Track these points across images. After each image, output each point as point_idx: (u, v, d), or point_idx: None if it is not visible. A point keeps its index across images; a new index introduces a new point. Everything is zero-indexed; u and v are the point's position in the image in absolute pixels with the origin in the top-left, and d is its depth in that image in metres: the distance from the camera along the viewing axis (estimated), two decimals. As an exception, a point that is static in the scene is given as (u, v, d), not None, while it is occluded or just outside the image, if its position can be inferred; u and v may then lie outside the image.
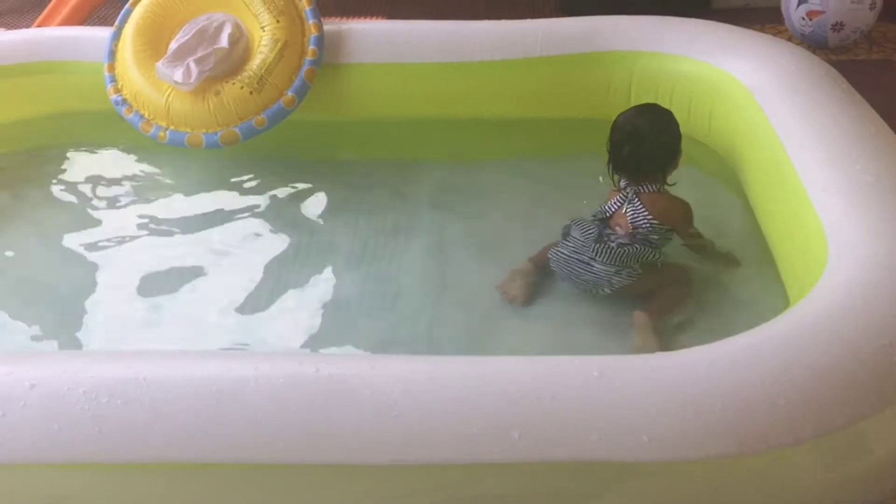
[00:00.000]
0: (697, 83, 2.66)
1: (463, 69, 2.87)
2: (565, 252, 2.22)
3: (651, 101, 2.74)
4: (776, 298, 2.09)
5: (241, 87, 2.66)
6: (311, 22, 2.81)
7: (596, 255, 2.17)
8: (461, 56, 2.84)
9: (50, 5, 4.02)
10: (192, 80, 2.63)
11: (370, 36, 2.95)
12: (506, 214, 2.57)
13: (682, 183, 2.31)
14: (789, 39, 3.58)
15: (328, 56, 2.82)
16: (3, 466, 1.51)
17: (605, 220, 2.27)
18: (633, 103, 2.76)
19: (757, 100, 2.40)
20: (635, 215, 2.20)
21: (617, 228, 2.23)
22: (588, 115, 2.80)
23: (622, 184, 2.26)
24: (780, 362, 1.49)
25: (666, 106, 2.72)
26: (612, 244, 2.19)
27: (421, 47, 2.90)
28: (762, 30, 3.13)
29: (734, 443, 1.41)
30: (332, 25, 2.92)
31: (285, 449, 1.47)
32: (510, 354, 1.72)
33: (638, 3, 3.06)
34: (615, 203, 2.25)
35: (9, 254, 2.54)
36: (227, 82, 2.68)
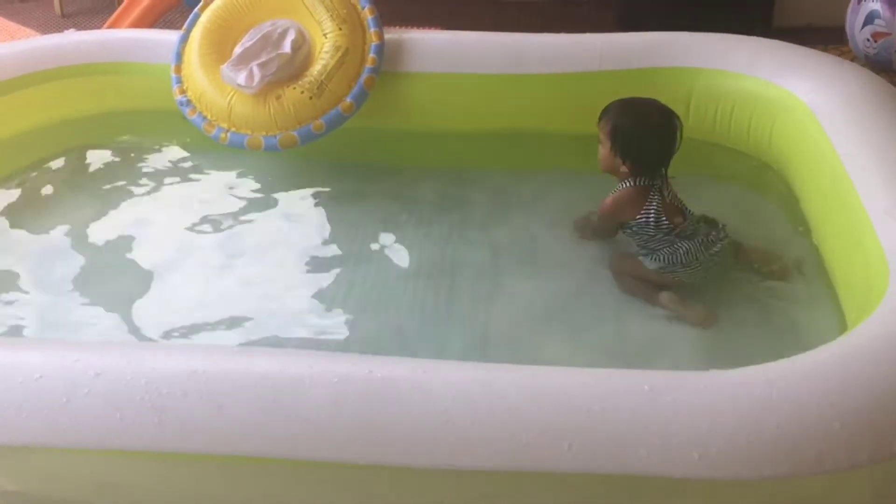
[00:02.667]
0: (759, 102, 2.64)
1: (520, 81, 2.87)
2: (701, 260, 2.19)
3: (710, 119, 2.77)
4: (832, 320, 2.07)
5: (302, 92, 2.71)
6: (372, 30, 2.85)
7: (715, 244, 2.20)
8: (519, 68, 2.85)
9: (120, 8, 4.15)
10: (254, 83, 2.69)
11: (428, 45, 2.98)
12: (559, 227, 2.57)
13: (740, 201, 2.30)
14: (853, 61, 3.52)
15: (387, 64, 2.86)
16: (63, 451, 1.56)
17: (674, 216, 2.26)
18: (692, 120, 2.78)
19: (819, 120, 2.37)
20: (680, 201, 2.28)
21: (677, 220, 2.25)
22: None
23: (642, 181, 2.25)
24: (837, 385, 1.47)
25: (726, 124, 2.74)
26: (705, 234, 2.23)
27: (479, 58, 2.92)
28: (825, 50, 3.08)
29: (788, 464, 1.39)
30: (391, 34, 2.96)
31: (337, 447, 1.49)
32: (560, 364, 1.71)
33: (698, 20, 3.05)
34: (658, 200, 2.24)
35: (68, 245, 2.61)
36: (288, 87, 2.73)
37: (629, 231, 2.31)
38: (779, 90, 2.59)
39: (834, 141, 2.26)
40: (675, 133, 2.23)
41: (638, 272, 2.29)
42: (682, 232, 2.23)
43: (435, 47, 2.97)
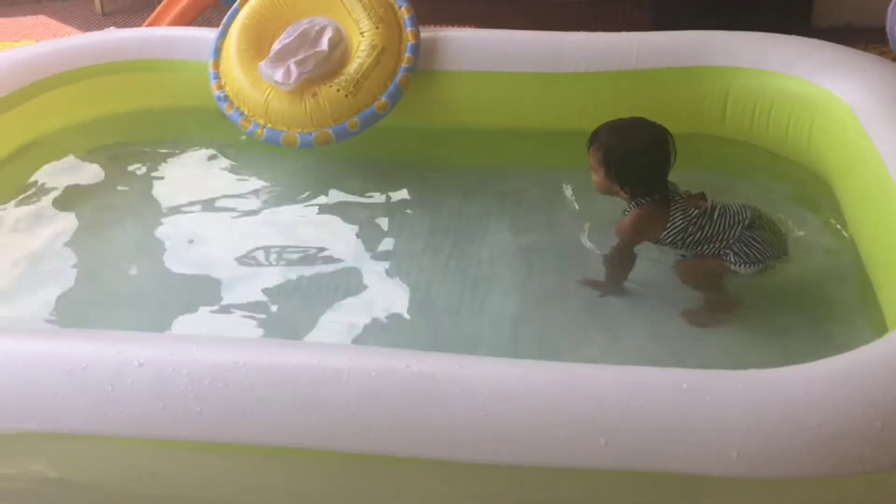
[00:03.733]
0: (797, 101, 2.61)
1: (556, 80, 2.87)
2: (758, 241, 2.14)
3: (748, 119, 2.74)
4: (871, 321, 2.04)
5: (338, 90, 2.74)
6: (409, 30, 2.87)
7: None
8: (554, 67, 2.85)
9: (160, 6, 4.21)
10: (291, 80, 2.72)
11: (464, 44, 2.98)
12: (595, 226, 2.56)
13: (778, 202, 2.27)
14: (894, 60, 3.47)
15: (422, 62, 2.88)
16: (106, 439, 1.59)
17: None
18: (729, 119, 2.77)
19: (860, 120, 2.34)
20: None
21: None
22: (680, 131, 2.73)
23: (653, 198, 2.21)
24: (878, 385, 1.45)
25: (764, 124, 2.71)
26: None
27: (514, 57, 2.92)
28: (865, 50, 3.04)
29: (828, 464, 1.38)
30: (426, 32, 2.97)
31: (375, 440, 1.51)
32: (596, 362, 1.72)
33: (734, 20, 3.02)
34: (681, 207, 2.20)
35: (107, 238, 2.66)
36: (324, 84, 2.76)
37: (669, 245, 2.24)
38: (818, 90, 2.56)
39: (875, 141, 2.23)
40: (669, 149, 2.16)
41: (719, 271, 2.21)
42: (730, 220, 2.16)
43: (470, 46, 2.98)
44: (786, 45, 2.76)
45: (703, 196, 2.25)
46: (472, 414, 1.49)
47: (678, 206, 2.20)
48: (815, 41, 2.77)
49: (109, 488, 1.70)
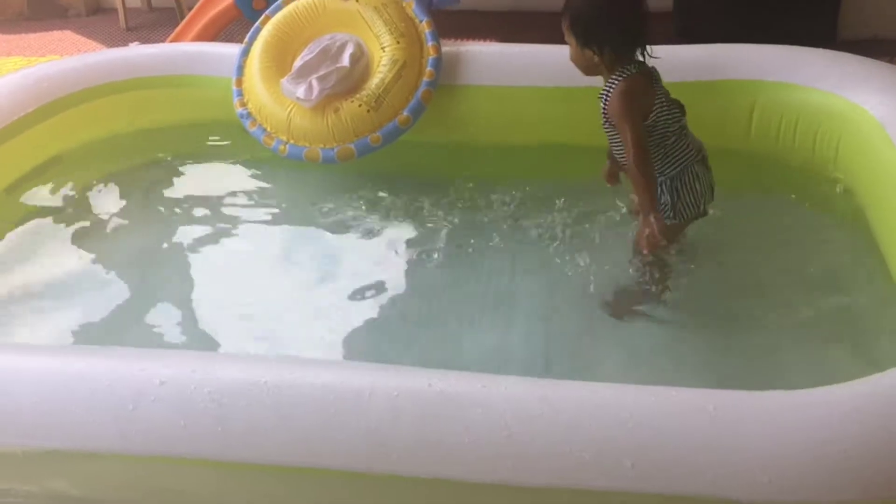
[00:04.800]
0: (825, 115, 2.58)
1: (577, 94, 2.84)
2: (700, 180, 2.19)
3: (774, 133, 2.71)
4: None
5: (359, 105, 2.74)
6: (430, 44, 2.87)
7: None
8: (576, 81, 2.81)
9: (183, 22, 4.24)
10: (313, 96, 2.72)
11: (486, 58, 2.98)
12: (616, 242, 2.54)
13: (804, 218, 2.24)
14: (921, 73, 3.42)
15: (443, 77, 2.87)
16: (128, 457, 1.59)
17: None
18: (754, 133, 2.73)
19: (889, 133, 2.30)
20: None
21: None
22: (706, 145, 2.74)
23: (631, 69, 2.14)
24: (910, 409, 1.42)
25: (790, 138, 2.67)
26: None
27: (536, 71, 2.91)
28: (892, 62, 3.01)
29: (858, 489, 1.36)
30: (448, 47, 2.97)
31: (397, 460, 1.49)
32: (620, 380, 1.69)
33: (760, 33, 3.00)
34: (662, 91, 2.19)
35: (133, 253, 2.67)
36: (346, 100, 2.76)
37: (648, 139, 2.13)
38: (846, 103, 2.52)
39: (905, 155, 2.20)
40: (636, 2, 2.12)
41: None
42: (691, 143, 2.19)
43: (492, 60, 2.97)
44: (812, 58, 2.73)
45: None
46: (494, 434, 1.48)
47: (658, 84, 2.20)
48: (842, 54, 2.74)
49: (131, 506, 1.71)
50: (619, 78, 2.14)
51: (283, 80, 2.80)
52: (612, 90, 2.16)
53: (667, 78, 2.75)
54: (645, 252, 2.21)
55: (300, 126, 2.78)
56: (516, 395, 1.54)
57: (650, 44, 2.20)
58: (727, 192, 2.45)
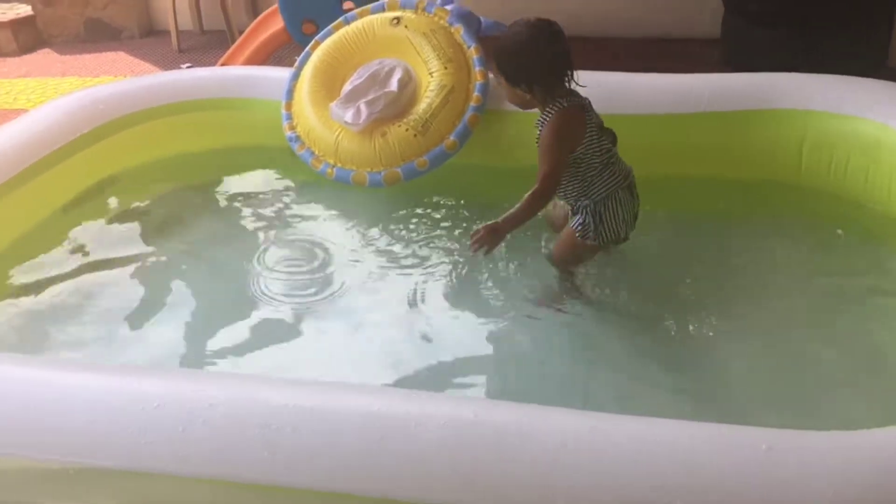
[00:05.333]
0: (877, 147, 2.54)
1: (623, 121, 2.82)
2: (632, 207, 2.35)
3: (825, 164, 2.69)
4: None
5: (407, 130, 2.76)
6: (477, 69, 2.88)
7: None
8: (621, 108, 2.82)
9: (234, 45, 4.33)
10: (361, 121, 2.76)
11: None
12: (659, 271, 2.52)
13: (857, 253, 2.19)
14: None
15: (490, 102, 2.88)
16: (177, 478, 1.60)
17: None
18: (805, 164, 2.70)
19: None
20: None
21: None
22: (753, 176, 2.72)
23: (564, 101, 2.25)
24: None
25: (841, 171, 2.64)
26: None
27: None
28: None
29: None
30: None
31: (442, 489, 1.49)
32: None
33: (808, 61, 2.97)
34: (595, 119, 2.32)
35: (182, 272, 2.72)
36: (393, 124, 2.78)
37: (574, 169, 2.27)
38: (899, 134, 2.48)
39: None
40: (552, 35, 2.22)
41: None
42: (619, 170, 2.31)
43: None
44: (863, 88, 2.70)
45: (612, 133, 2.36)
46: (540, 467, 1.46)
47: (590, 114, 2.30)
48: (894, 84, 2.70)
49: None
50: (554, 111, 2.25)
51: (332, 105, 2.84)
52: (545, 122, 2.26)
53: (713, 107, 2.77)
54: (474, 251, 2.28)
55: (348, 150, 2.81)
56: (563, 427, 1.52)
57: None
58: (775, 223, 2.43)
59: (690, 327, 2.29)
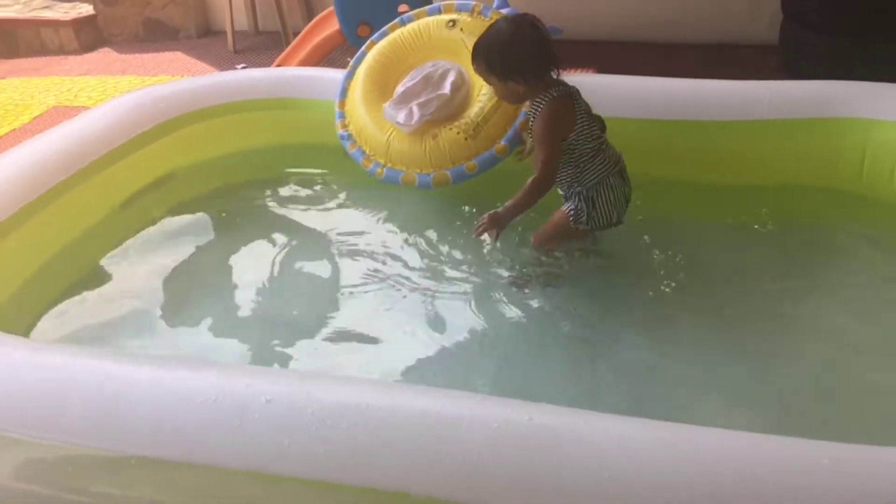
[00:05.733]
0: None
1: (679, 127, 2.82)
2: (615, 192, 2.43)
3: (886, 175, 2.62)
4: None
5: (458, 133, 2.76)
6: None
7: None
8: (678, 114, 2.80)
9: (290, 47, 4.39)
10: (413, 122, 2.77)
11: (585, 89, 2.94)
12: (713, 279, 2.49)
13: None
14: None
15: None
16: (232, 471, 1.62)
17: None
18: (867, 174, 2.65)
19: None
20: None
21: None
22: (813, 184, 2.68)
23: (554, 91, 2.35)
24: None
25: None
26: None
27: (636, 102, 2.88)
28: None
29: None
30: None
31: (494, 492, 1.48)
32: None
33: (868, 69, 2.90)
34: (584, 107, 2.41)
35: (237, 269, 2.77)
36: (444, 127, 2.79)
37: (567, 156, 2.36)
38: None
39: None
40: (534, 24, 2.33)
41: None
42: (609, 156, 2.40)
43: (591, 91, 2.94)
44: (930, 96, 2.63)
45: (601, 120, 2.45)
46: (595, 473, 1.45)
47: (579, 101, 2.39)
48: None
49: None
50: (545, 100, 2.35)
51: (385, 105, 2.85)
52: (538, 112, 2.36)
53: (774, 115, 2.72)
54: (477, 233, 2.44)
55: (398, 150, 2.82)
56: (618, 433, 1.51)
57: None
58: (834, 233, 2.38)
59: (755, 334, 2.27)
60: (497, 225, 2.38)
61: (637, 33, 4.91)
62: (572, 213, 2.45)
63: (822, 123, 2.68)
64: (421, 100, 2.82)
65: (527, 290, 2.47)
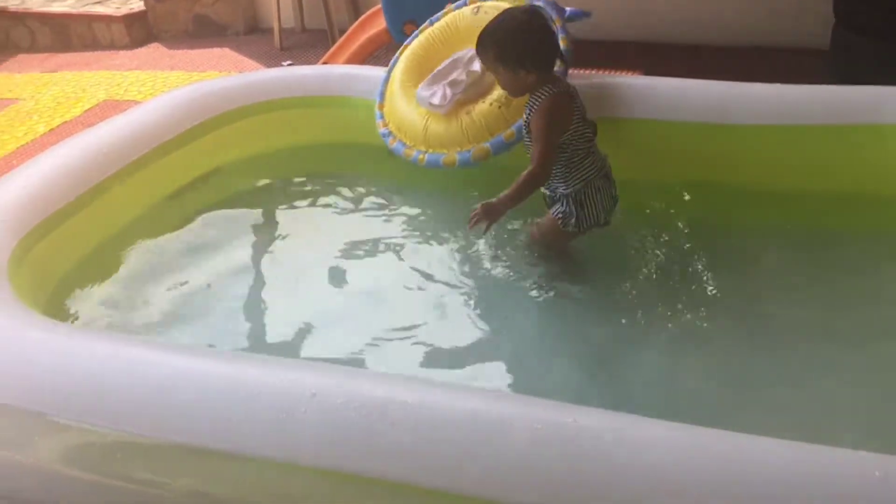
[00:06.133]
0: None
1: (729, 132, 2.78)
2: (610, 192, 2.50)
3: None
4: None
5: (490, 104, 2.74)
6: (561, 36, 2.71)
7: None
8: (732, 118, 2.76)
9: (336, 45, 4.42)
10: (447, 101, 2.77)
11: (635, 91, 2.93)
12: (761, 288, 2.46)
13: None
14: None
15: (591, 109, 2.85)
16: (276, 463, 1.63)
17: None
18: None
19: None
20: None
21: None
22: (868, 191, 2.62)
23: (554, 88, 2.38)
24: None
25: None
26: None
27: (684, 105, 2.84)
28: None
29: None
30: (596, 79, 2.95)
31: (536, 493, 1.48)
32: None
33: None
34: (580, 106, 2.43)
35: (279, 266, 2.79)
36: (477, 103, 2.77)
37: (560, 154, 2.38)
38: None
39: None
40: (537, 14, 2.37)
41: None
42: (598, 159, 2.44)
43: (642, 93, 2.92)
44: None
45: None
46: (639, 479, 1.44)
47: (577, 101, 2.41)
48: None
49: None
50: (544, 95, 2.36)
51: (418, 90, 2.86)
52: (536, 105, 2.37)
53: (828, 120, 2.67)
54: (471, 227, 2.43)
55: (436, 133, 2.81)
56: (663, 439, 1.49)
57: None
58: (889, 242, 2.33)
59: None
60: (490, 216, 2.37)
61: (681, 35, 4.85)
62: (560, 216, 2.48)
63: (879, 130, 2.59)
64: (451, 78, 2.82)
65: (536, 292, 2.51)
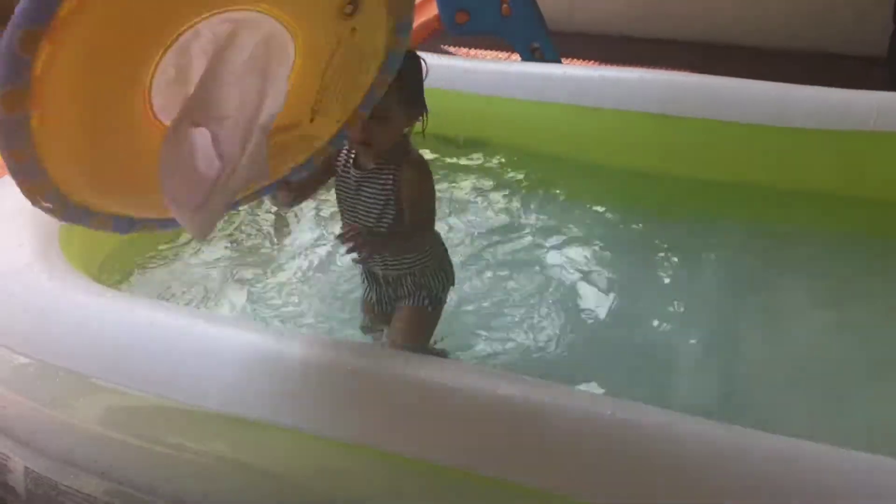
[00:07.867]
0: None
1: (782, 134, 2.76)
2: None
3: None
4: None
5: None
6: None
7: None
8: (787, 121, 2.74)
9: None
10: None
11: (686, 88, 2.94)
12: (797, 290, 2.45)
13: None
14: None
15: (649, 106, 2.87)
16: (309, 437, 1.64)
17: None
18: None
19: None
20: None
21: None
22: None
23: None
24: None
25: None
26: None
27: (739, 106, 2.84)
28: None
29: None
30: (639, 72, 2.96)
31: (571, 482, 1.48)
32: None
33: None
34: None
35: (302, 243, 2.81)
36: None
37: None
38: None
39: None
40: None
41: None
42: None
43: (692, 91, 2.92)
44: None
45: None
46: (678, 476, 1.43)
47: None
48: None
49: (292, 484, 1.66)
50: (417, 162, 1.96)
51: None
52: (415, 176, 1.94)
53: (882, 126, 2.64)
54: (346, 239, 1.83)
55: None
56: (702, 438, 1.48)
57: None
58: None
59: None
60: (364, 244, 1.82)
61: (739, 38, 4.79)
62: (426, 300, 2.08)
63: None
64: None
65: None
